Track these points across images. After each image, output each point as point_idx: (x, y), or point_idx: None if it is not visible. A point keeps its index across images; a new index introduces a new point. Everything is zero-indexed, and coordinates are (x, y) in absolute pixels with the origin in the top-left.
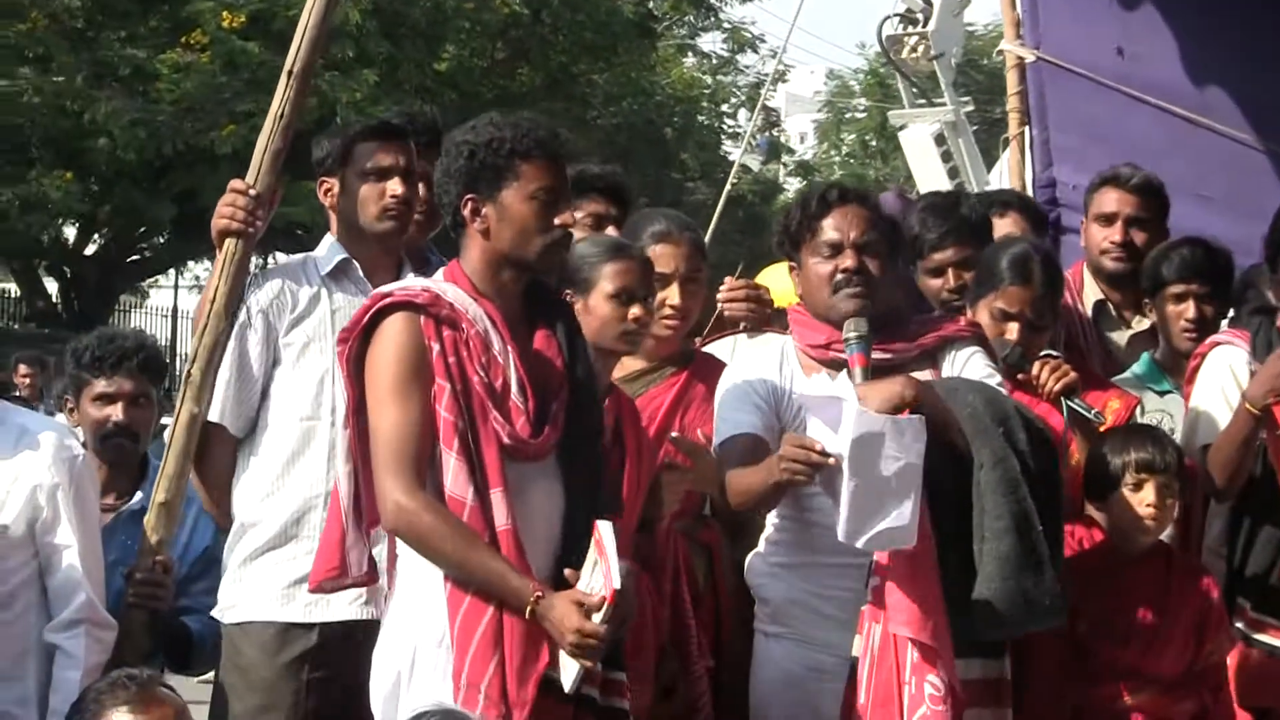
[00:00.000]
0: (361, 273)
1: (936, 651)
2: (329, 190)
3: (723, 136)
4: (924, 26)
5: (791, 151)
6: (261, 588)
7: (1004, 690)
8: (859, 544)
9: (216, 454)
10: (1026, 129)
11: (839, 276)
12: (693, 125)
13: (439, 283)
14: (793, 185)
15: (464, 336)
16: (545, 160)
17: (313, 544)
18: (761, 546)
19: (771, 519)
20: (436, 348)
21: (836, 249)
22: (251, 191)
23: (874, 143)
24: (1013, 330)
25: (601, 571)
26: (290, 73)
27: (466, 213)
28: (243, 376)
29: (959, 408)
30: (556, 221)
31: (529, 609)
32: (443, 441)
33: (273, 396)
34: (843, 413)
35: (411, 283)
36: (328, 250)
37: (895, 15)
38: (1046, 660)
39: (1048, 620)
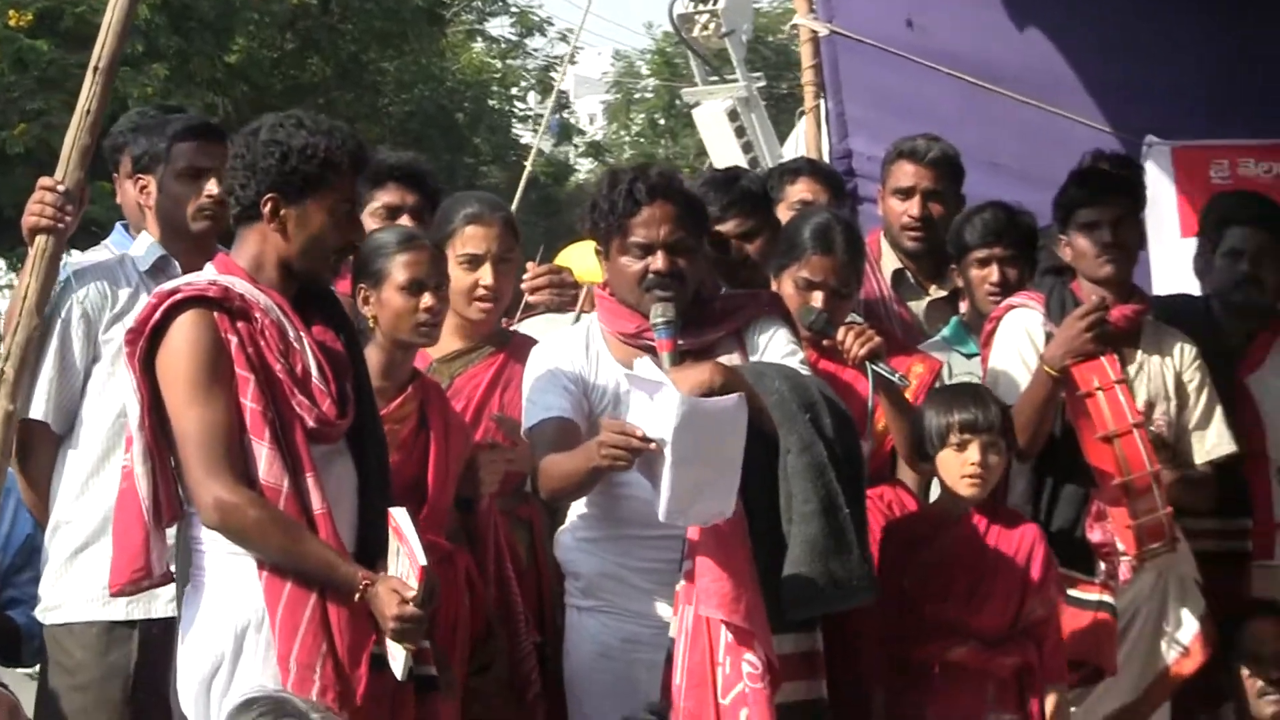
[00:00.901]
0: (180, 270)
1: (751, 631)
2: (145, 188)
3: (513, 120)
4: (714, 4)
5: (582, 133)
6: (82, 588)
7: (817, 662)
8: (680, 523)
9: (40, 452)
10: (822, 101)
11: (650, 277)
12: (484, 109)
13: (222, 276)
14: (584, 166)
15: (259, 327)
16: (352, 174)
17: None
18: (570, 521)
19: (589, 495)
20: (235, 340)
21: (647, 250)
22: (60, 188)
23: (663, 121)
24: (818, 299)
25: (405, 554)
26: (96, 69)
27: (266, 210)
28: (65, 374)
29: (766, 394)
30: (348, 238)
31: (357, 595)
32: (251, 431)
33: (90, 393)
34: (665, 398)
35: (195, 277)
36: (146, 248)
37: None
38: (869, 622)
39: (855, 599)
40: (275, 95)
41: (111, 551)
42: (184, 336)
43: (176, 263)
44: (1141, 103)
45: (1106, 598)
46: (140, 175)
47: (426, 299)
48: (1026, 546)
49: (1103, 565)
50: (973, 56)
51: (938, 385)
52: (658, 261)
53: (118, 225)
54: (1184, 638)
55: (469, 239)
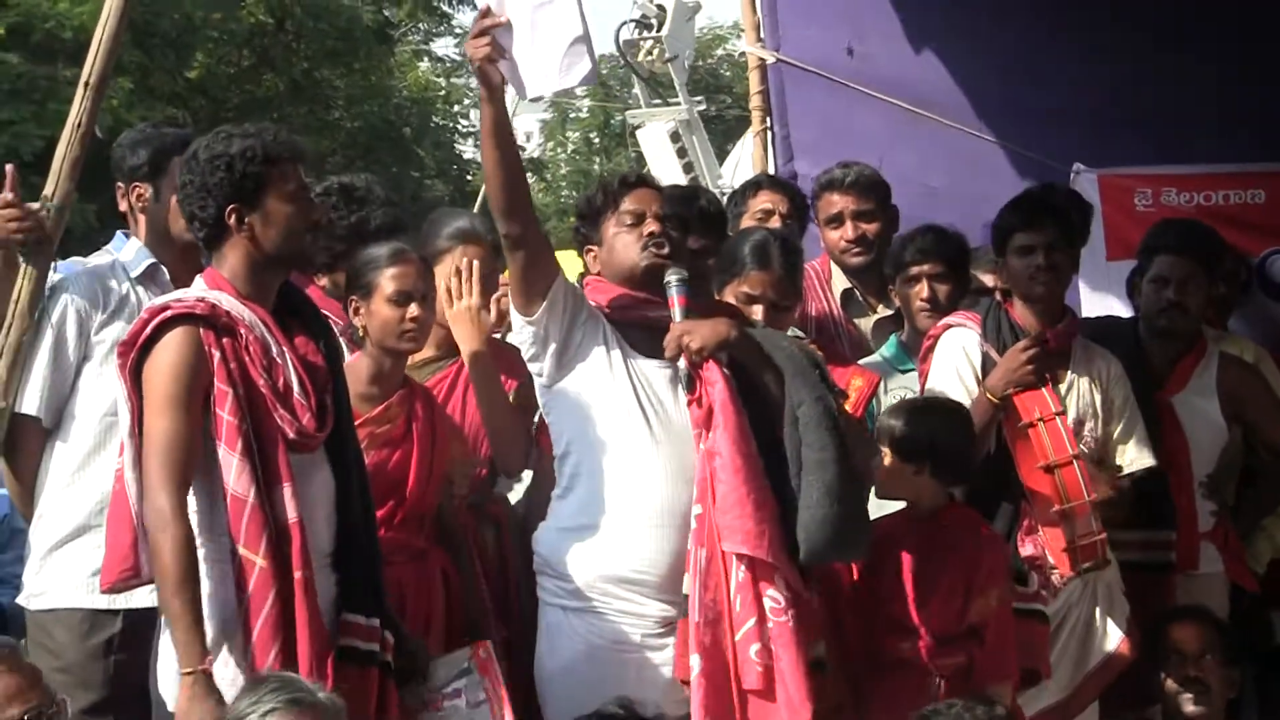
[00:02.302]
0: (168, 277)
1: (774, 565)
2: (140, 195)
3: (457, 135)
4: (658, 31)
5: (522, 149)
6: (67, 576)
7: (816, 621)
8: (551, 89)
9: (29, 446)
10: (768, 125)
11: (645, 237)
12: (429, 125)
13: (210, 291)
14: None
15: (243, 342)
16: (294, 161)
17: None
18: (560, 520)
19: (575, 491)
20: (218, 355)
21: (640, 218)
22: (48, 203)
23: (597, 140)
24: (758, 312)
25: (488, 695)
26: (86, 84)
27: (232, 222)
28: (57, 371)
29: (776, 351)
30: (313, 216)
31: (189, 673)
32: (225, 442)
33: (80, 390)
34: None
35: (185, 294)
36: (135, 254)
37: (631, 21)
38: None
39: (862, 549)
40: (232, 109)
41: (97, 542)
42: (168, 352)
43: (165, 270)
44: (1070, 131)
45: (1038, 606)
46: (137, 184)
47: (413, 309)
48: (977, 549)
49: (1035, 576)
50: (909, 84)
51: (875, 399)
52: (651, 225)
53: (118, 233)
54: (1111, 640)
55: (463, 256)
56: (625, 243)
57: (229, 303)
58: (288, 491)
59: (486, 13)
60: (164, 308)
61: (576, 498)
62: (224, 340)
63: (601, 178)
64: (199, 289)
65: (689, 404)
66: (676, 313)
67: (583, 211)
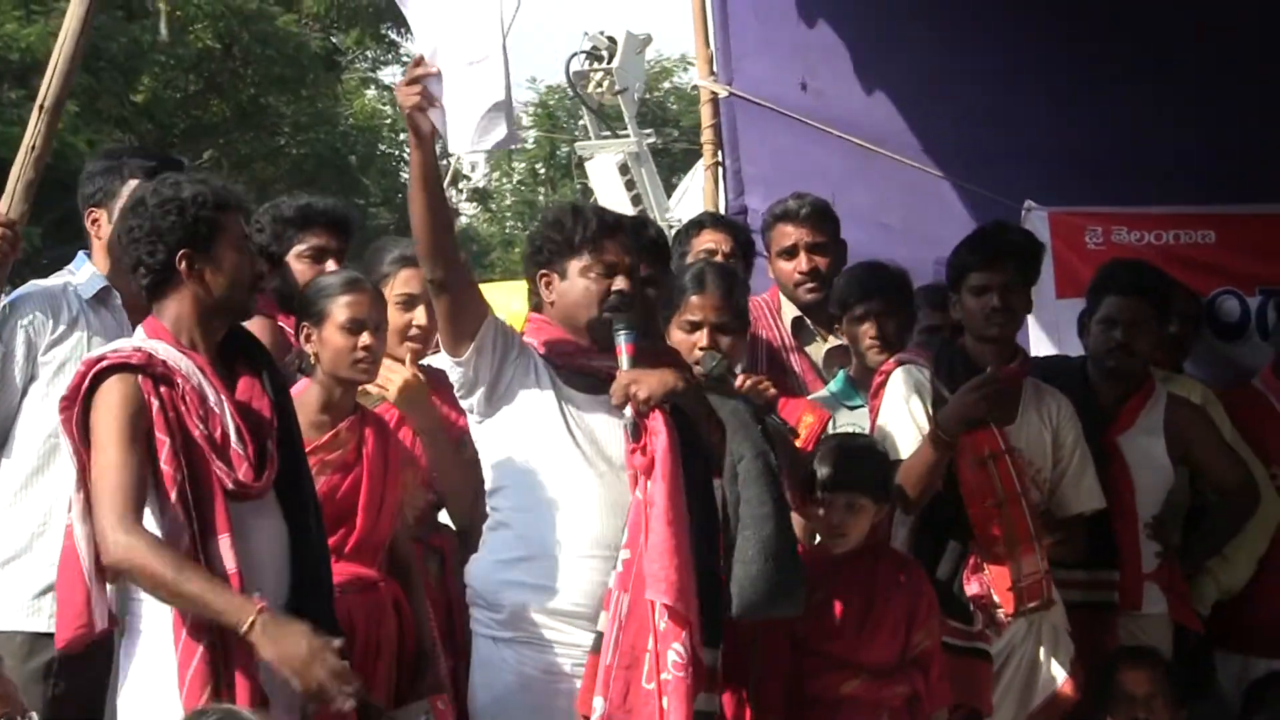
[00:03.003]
0: (120, 302)
1: (687, 620)
2: (96, 221)
3: (402, 164)
4: (608, 63)
5: (467, 179)
6: (7, 598)
7: (717, 677)
8: (473, 148)
9: None
10: (719, 159)
11: (612, 297)
12: (374, 153)
13: (147, 341)
14: (468, 211)
15: (180, 392)
16: (241, 210)
17: (54, 556)
18: (494, 553)
19: (507, 524)
20: (156, 404)
21: (613, 269)
22: (5, 219)
23: (543, 171)
24: (702, 338)
25: None
26: (42, 107)
27: (183, 267)
28: (4, 390)
29: (721, 404)
30: (257, 269)
31: (250, 625)
32: (159, 493)
33: (25, 410)
34: None
35: (121, 344)
36: (89, 277)
37: (582, 52)
38: (771, 649)
39: (796, 604)
40: (178, 134)
41: (38, 565)
42: (110, 395)
43: (118, 293)
44: (1021, 168)
45: (982, 645)
46: (93, 209)
47: (365, 338)
48: (911, 584)
49: (979, 615)
50: (862, 120)
51: (825, 435)
52: (621, 282)
53: (80, 253)
54: (1056, 680)
55: (405, 280)
56: (591, 293)
57: (165, 351)
58: (225, 542)
59: (420, 61)
60: (100, 359)
61: (508, 530)
62: (161, 389)
63: (575, 204)
64: (137, 339)
65: (632, 452)
66: (624, 360)
67: (552, 235)
